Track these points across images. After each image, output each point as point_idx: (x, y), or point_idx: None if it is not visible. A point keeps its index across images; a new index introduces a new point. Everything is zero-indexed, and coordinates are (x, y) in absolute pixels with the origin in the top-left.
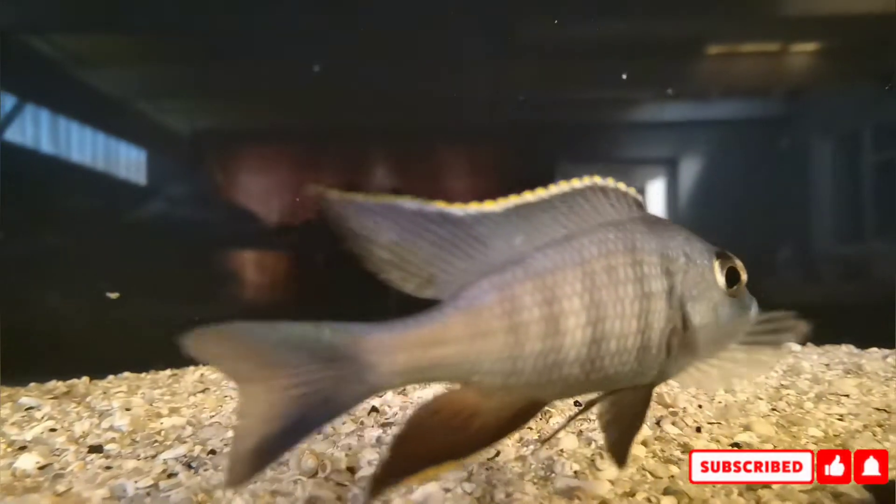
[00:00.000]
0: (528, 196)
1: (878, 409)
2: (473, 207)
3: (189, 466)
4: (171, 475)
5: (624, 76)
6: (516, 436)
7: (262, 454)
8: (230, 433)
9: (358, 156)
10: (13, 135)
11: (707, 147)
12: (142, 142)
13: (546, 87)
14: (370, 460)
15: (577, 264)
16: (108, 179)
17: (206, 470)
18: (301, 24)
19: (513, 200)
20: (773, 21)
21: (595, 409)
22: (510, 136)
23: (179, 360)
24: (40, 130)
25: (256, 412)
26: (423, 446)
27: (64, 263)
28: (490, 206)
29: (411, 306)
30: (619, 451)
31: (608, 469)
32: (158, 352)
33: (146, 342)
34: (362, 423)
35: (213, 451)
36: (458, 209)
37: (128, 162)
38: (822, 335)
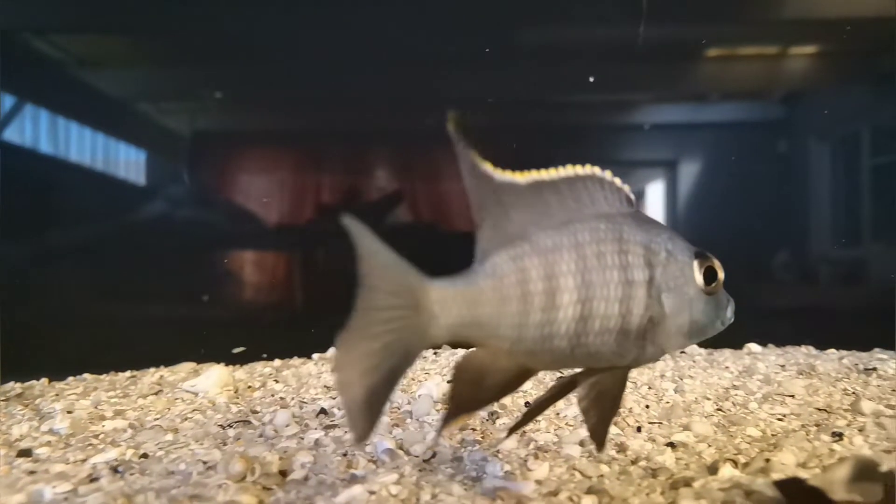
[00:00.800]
0: (543, 175)
1: (819, 410)
2: (507, 174)
3: (115, 471)
4: (93, 479)
5: (591, 79)
6: (458, 436)
7: (371, 405)
8: (168, 436)
9: (353, 158)
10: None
11: (705, 150)
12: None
13: (540, 89)
14: (304, 463)
15: (573, 247)
16: (105, 179)
17: (132, 474)
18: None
19: (533, 176)
20: (770, 24)
21: (572, 395)
22: (506, 138)
23: (141, 362)
24: (39, 130)
25: (355, 363)
26: (458, 396)
27: (45, 264)
28: (518, 177)
29: None
30: (599, 435)
31: (539, 469)
32: (126, 352)
33: (115, 342)
34: (307, 424)
35: (145, 455)
36: (496, 172)
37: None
38: (816, 336)
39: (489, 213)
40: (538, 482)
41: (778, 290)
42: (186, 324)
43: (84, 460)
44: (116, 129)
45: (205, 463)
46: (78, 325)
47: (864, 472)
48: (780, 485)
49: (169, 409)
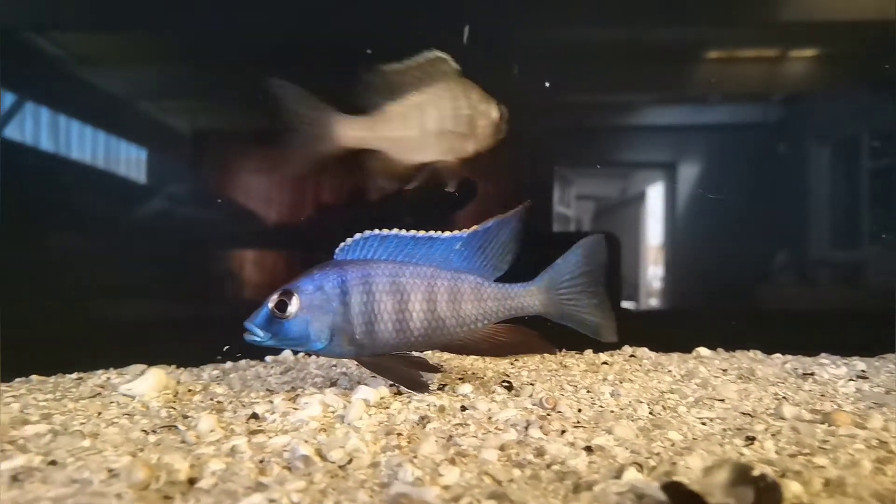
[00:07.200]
0: None
1: (744, 414)
2: None
3: (15, 479)
4: None
5: (547, 84)
6: (382, 441)
7: None
8: (86, 442)
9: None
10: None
11: (705, 152)
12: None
13: (540, 90)
14: (215, 470)
15: None
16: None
17: (32, 482)
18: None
19: None
20: (770, 26)
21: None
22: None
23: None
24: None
25: None
26: None
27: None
28: None
29: None
30: None
31: (449, 474)
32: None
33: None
34: (233, 430)
35: (53, 462)
36: None
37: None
38: (805, 341)
39: None
40: (445, 487)
41: (777, 293)
42: (141, 325)
43: None
44: (117, 126)
45: (111, 471)
46: (47, 325)
47: (741, 476)
48: (665, 488)
49: (100, 413)
